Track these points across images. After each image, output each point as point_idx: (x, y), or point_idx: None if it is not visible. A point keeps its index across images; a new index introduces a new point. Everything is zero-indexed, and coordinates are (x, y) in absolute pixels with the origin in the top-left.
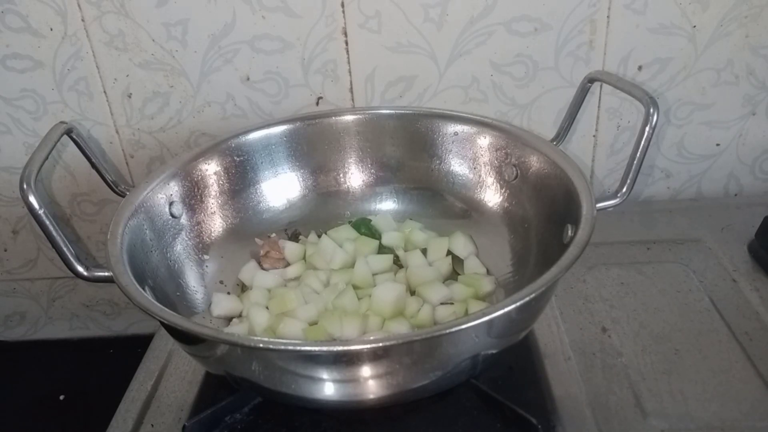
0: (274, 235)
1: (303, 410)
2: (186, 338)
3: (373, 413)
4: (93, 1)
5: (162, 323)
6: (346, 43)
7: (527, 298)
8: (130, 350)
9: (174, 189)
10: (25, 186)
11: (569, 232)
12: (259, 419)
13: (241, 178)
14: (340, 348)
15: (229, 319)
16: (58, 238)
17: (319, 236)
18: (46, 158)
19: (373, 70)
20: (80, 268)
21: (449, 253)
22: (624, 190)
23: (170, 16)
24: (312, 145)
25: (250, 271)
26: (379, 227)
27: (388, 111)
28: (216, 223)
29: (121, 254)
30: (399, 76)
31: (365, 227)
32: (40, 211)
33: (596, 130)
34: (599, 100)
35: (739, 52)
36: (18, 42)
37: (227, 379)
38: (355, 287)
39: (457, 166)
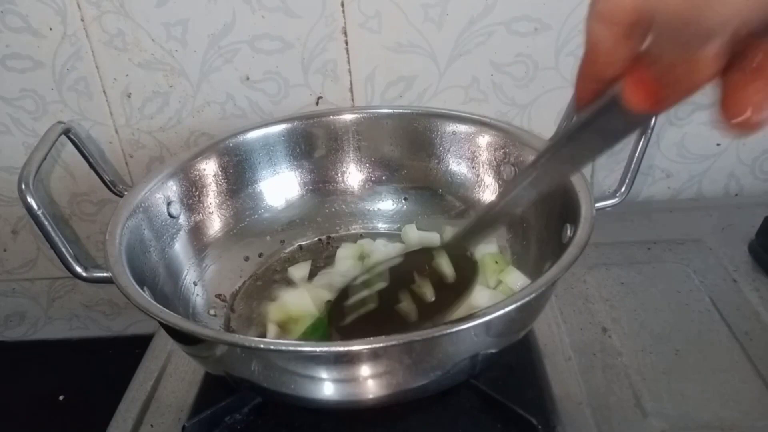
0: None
1: (303, 410)
2: (185, 338)
3: (373, 413)
4: (93, 1)
5: (161, 323)
6: (346, 43)
7: (527, 298)
8: (129, 350)
9: (172, 189)
10: (23, 186)
11: (568, 231)
12: (259, 419)
13: (239, 177)
14: (340, 348)
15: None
16: (56, 239)
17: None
18: (44, 158)
19: (373, 70)
20: (78, 269)
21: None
22: (623, 189)
23: (170, 16)
24: (310, 144)
25: (300, 270)
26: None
27: (386, 110)
28: (214, 223)
29: (119, 254)
30: (399, 76)
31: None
32: (39, 212)
33: None
34: None
35: None
36: (18, 42)
37: (227, 380)
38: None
39: (456, 166)
